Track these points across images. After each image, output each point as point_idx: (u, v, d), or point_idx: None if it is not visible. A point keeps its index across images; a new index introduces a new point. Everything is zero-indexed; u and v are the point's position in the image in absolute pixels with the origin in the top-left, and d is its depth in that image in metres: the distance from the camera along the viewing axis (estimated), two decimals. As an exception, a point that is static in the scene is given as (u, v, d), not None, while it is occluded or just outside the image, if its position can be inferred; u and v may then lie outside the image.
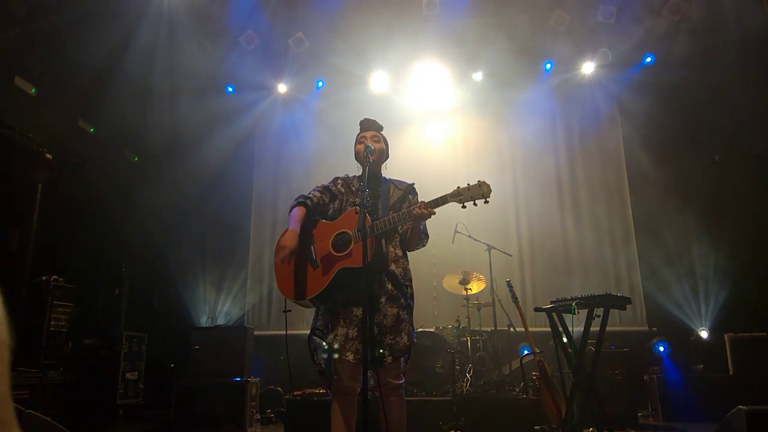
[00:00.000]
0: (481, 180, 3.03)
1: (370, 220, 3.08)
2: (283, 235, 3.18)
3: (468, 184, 3.04)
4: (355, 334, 3.07)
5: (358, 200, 3.30)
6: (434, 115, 8.11)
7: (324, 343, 3.16)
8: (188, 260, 7.37)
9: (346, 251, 3.13)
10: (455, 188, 3.07)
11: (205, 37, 6.96)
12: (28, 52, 5.63)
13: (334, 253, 3.16)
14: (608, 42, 7.38)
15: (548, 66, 7.71)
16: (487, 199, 3.01)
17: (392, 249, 3.27)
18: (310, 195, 3.36)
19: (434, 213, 3.08)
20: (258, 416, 6.03)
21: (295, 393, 5.95)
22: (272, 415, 6.33)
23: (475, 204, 3.03)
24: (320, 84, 8.04)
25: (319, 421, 5.40)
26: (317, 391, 5.85)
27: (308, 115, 8.23)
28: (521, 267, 7.48)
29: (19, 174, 5.53)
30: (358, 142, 3.46)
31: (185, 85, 7.24)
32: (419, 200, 3.43)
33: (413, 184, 3.52)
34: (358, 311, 3.10)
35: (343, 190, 3.46)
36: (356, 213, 3.14)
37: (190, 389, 5.89)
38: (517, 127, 7.92)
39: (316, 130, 8.19)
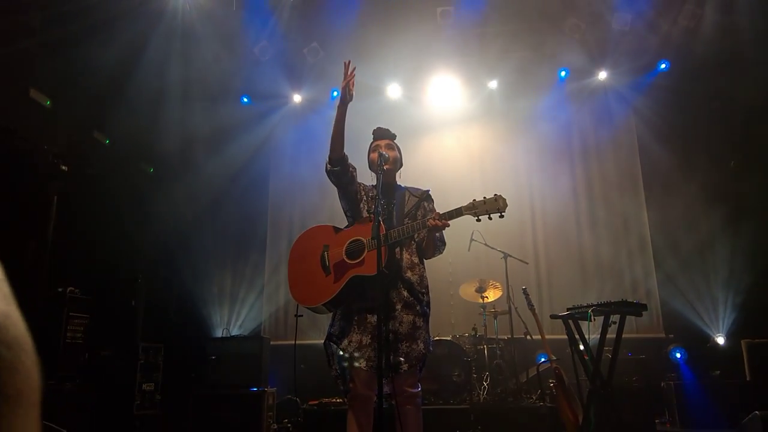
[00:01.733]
0: (498, 194, 3.02)
1: (385, 229, 3.10)
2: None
3: (484, 198, 3.04)
4: (369, 341, 3.07)
5: (373, 209, 3.32)
6: (449, 124, 8.12)
7: (339, 350, 3.16)
8: (204, 271, 7.42)
9: (359, 259, 3.14)
10: (471, 201, 3.07)
11: (220, 47, 7.02)
12: (43, 64, 5.71)
13: (347, 261, 3.18)
14: (623, 49, 7.36)
15: (563, 74, 7.70)
16: (503, 214, 3.00)
17: (408, 256, 3.28)
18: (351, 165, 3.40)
19: (449, 225, 3.07)
20: (275, 426, 6.03)
21: (312, 402, 5.95)
22: (289, 425, 6.32)
23: (489, 218, 3.03)
24: (335, 93, 8.07)
25: (336, 430, 5.41)
26: (334, 400, 5.85)
27: (324, 125, 8.25)
28: (537, 274, 7.44)
29: (34, 186, 5.60)
30: (371, 150, 3.48)
31: (200, 95, 7.30)
32: (434, 207, 3.45)
33: (428, 190, 3.52)
34: (372, 318, 3.11)
35: (363, 195, 3.48)
36: (371, 221, 3.16)
37: (207, 400, 5.91)
38: (532, 134, 7.91)
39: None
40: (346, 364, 3.15)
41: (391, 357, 3.02)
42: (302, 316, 3.51)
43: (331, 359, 3.25)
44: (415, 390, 3.14)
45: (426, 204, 3.45)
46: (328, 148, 3.31)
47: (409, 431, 3.10)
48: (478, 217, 3.04)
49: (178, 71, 6.83)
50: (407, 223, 3.21)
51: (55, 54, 5.72)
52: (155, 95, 6.72)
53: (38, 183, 5.66)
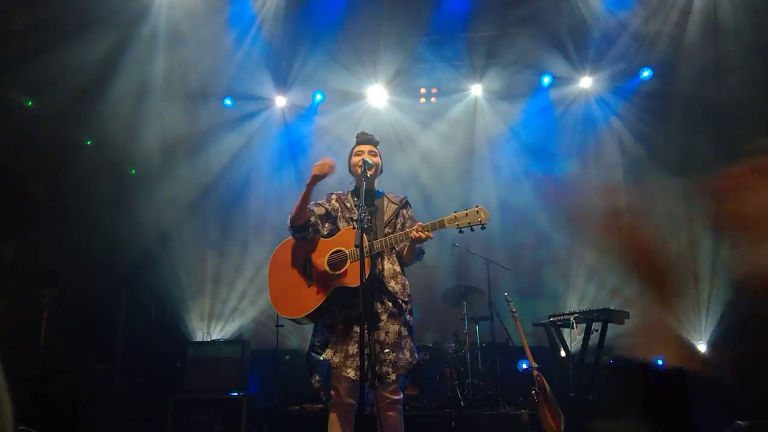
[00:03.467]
0: (479, 206, 3.02)
1: (367, 238, 3.09)
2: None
3: (466, 211, 3.03)
4: (356, 350, 3.05)
5: (354, 216, 3.31)
6: (432, 129, 8.13)
7: (322, 359, 3.14)
8: (184, 274, 7.34)
9: (342, 270, 3.13)
10: (453, 214, 3.06)
11: (203, 48, 6.96)
12: (25, 65, 5.63)
13: (330, 272, 3.17)
14: (606, 56, 7.41)
15: (546, 80, 7.74)
16: (484, 225, 3.00)
17: (389, 265, 3.27)
18: (312, 222, 3.35)
19: (431, 237, 3.07)
20: (255, 431, 5.98)
21: (292, 408, 5.93)
22: (268, 430, 6.28)
23: (471, 229, 3.03)
24: (318, 97, 8.05)
25: (316, 436, 5.39)
26: (315, 406, 5.83)
27: (306, 128, 8.25)
28: (519, 281, 7.45)
29: (15, 187, 5.52)
30: (354, 154, 3.46)
31: (182, 97, 7.22)
32: (413, 214, 3.45)
33: (406, 197, 3.53)
34: (357, 328, 3.10)
35: (337, 206, 3.46)
36: (354, 229, 3.15)
37: (186, 404, 5.85)
38: (515, 141, 7.94)
39: (314, 143, 8.20)
40: (330, 373, 3.14)
41: (378, 367, 3.01)
42: (283, 326, 3.49)
43: (312, 369, 3.24)
44: (398, 397, 3.14)
45: (404, 211, 3.45)
46: (292, 213, 3.28)
47: None
48: (460, 228, 3.03)
49: (160, 72, 6.76)
50: (388, 233, 3.21)
51: (36, 56, 5.64)
52: (136, 96, 6.65)
53: (20, 185, 5.59)
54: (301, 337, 7.27)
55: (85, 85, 6.04)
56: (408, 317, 3.23)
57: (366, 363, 2.82)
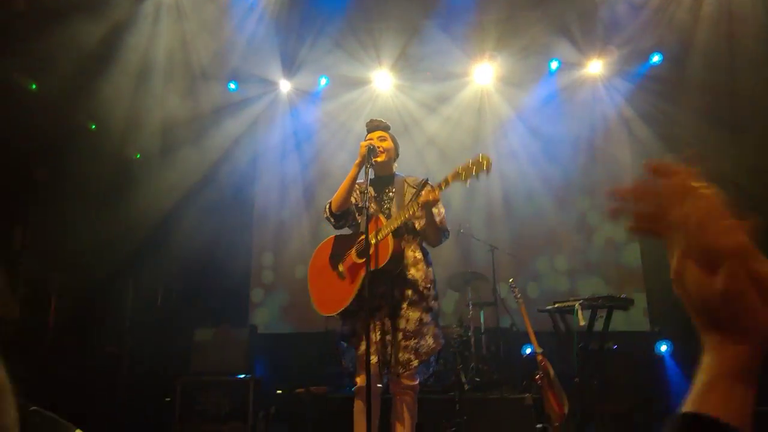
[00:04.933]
0: (482, 153, 3.02)
1: (384, 220, 3.13)
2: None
3: (468, 161, 3.02)
4: (379, 337, 3.10)
5: (382, 199, 3.34)
6: (439, 114, 8.07)
7: (348, 347, 3.20)
8: (191, 256, 7.36)
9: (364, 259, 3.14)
10: (455, 169, 3.06)
11: (207, 30, 6.91)
12: (27, 48, 5.62)
13: (357, 261, 3.19)
14: (616, 41, 7.32)
15: (554, 65, 7.66)
16: (488, 173, 2.98)
17: (411, 253, 3.29)
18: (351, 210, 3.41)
19: (438, 198, 3.07)
20: (262, 413, 6.04)
21: (298, 390, 5.98)
22: (275, 413, 6.35)
23: (477, 178, 2.99)
24: (323, 82, 7.99)
25: (321, 418, 5.45)
26: (321, 388, 5.89)
27: (312, 113, 8.21)
28: (524, 267, 7.46)
29: (20, 172, 5.54)
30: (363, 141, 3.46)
31: (186, 81, 7.20)
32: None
33: (426, 179, 3.48)
34: (379, 314, 3.14)
35: (358, 197, 3.47)
36: (374, 216, 3.19)
37: (194, 387, 5.91)
38: (522, 126, 7.89)
39: (319, 129, 8.18)
40: (353, 361, 3.21)
41: (400, 354, 3.05)
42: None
43: (342, 357, 3.28)
44: (414, 383, 3.18)
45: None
46: (334, 199, 3.31)
47: (403, 422, 3.14)
48: (466, 180, 3.01)
49: (164, 55, 6.73)
50: (402, 208, 3.21)
51: (38, 37, 5.62)
52: (140, 80, 6.63)
53: (24, 169, 5.60)
54: (307, 322, 7.33)
55: (89, 68, 6.04)
56: (432, 303, 3.26)
57: (389, 349, 2.89)
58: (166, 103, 6.95)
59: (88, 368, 5.81)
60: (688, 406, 0.64)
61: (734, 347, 0.64)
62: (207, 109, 7.64)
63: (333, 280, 3.27)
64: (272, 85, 8.07)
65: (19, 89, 5.78)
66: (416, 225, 3.28)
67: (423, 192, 3.06)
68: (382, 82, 7.90)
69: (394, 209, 3.30)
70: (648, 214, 0.72)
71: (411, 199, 3.31)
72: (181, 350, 6.36)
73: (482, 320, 6.31)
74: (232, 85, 7.97)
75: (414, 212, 3.13)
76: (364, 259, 3.12)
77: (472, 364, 5.91)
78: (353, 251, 3.24)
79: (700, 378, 0.65)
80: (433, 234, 3.28)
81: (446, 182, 3.07)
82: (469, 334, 6.11)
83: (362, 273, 3.12)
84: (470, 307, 6.25)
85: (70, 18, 5.66)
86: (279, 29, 7.24)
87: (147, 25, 6.48)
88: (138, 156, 7.34)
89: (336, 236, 3.44)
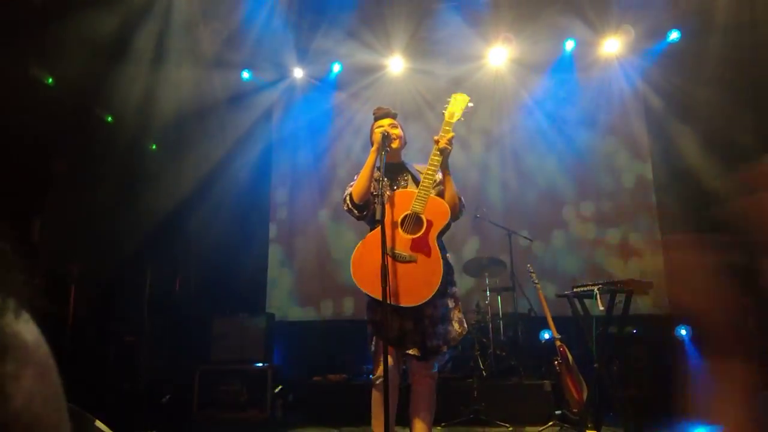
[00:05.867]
0: (454, 93, 3.24)
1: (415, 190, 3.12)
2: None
3: (447, 105, 3.21)
4: (413, 326, 3.05)
5: (395, 187, 3.29)
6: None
7: (380, 336, 3.15)
8: (208, 245, 7.39)
9: (423, 227, 3.07)
10: (445, 113, 3.20)
11: (219, 18, 6.87)
12: (43, 42, 5.64)
13: (417, 235, 3.06)
14: (632, 17, 7.17)
15: (570, 45, 7.53)
16: (470, 103, 3.22)
17: None
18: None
19: (452, 134, 3.14)
20: (280, 401, 6.09)
21: (315, 378, 6.02)
22: (293, 400, 6.40)
23: (468, 108, 3.21)
24: (336, 68, 7.93)
25: (338, 405, 5.47)
26: (339, 376, 5.92)
27: (325, 100, 8.16)
28: (542, 251, 7.40)
29: (38, 164, 5.58)
30: (374, 131, 3.41)
31: (200, 70, 7.19)
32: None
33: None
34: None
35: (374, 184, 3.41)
36: (405, 191, 3.19)
37: (213, 375, 5.97)
38: (538, 108, 7.79)
39: (334, 116, 8.14)
40: (377, 349, 3.15)
41: (429, 342, 3.04)
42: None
43: (370, 340, 3.22)
44: (434, 370, 3.17)
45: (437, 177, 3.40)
46: (356, 188, 3.21)
47: (423, 411, 3.14)
48: (460, 117, 3.18)
49: (177, 44, 6.71)
50: (424, 172, 3.14)
51: (55, 32, 5.63)
52: (153, 70, 6.62)
53: (43, 161, 5.64)
54: (323, 309, 7.35)
55: (104, 59, 6.05)
56: (453, 289, 3.25)
57: (417, 337, 2.97)
58: (181, 94, 6.94)
59: (107, 358, 5.87)
60: None
61: None
62: (221, 98, 7.64)
63: (401, 270, 3.00)
64: (285, 72, 8.03)
65: (36, 83, 5.81)
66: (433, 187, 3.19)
67: (438, 137, 3.10)
68: (396, 67, 7.83)
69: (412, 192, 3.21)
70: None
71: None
72: (199, 339, 6.42)
73: (500, 306, 6.28)
74: (245, 74, 7.96)
75: (438, 162, 3.07)
76: (420, 232, 3.04)
77: (490, 350, 5.89)
78: (399, 231, 3.05)
79: None
80: (452, 198, 3.18)
81: (447, 125, 3.14)
82: (487, 319, 6.08)
83: (431, 245, 3.04)
84: (487, 292, 6.21)
85: (84, 9, 5.67)
86: (290, 15, 7.19)
87: (160, 14, 6.46)
88: (154, 147, 7.37)
89: (362, 244, 3.15)
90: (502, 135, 7.81)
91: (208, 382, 5.95)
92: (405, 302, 2.96)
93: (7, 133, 4.93)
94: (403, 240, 3.04)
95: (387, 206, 3.08)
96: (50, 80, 6.02)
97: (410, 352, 3.05)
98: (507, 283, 6.33)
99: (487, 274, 6.26)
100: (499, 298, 6.29)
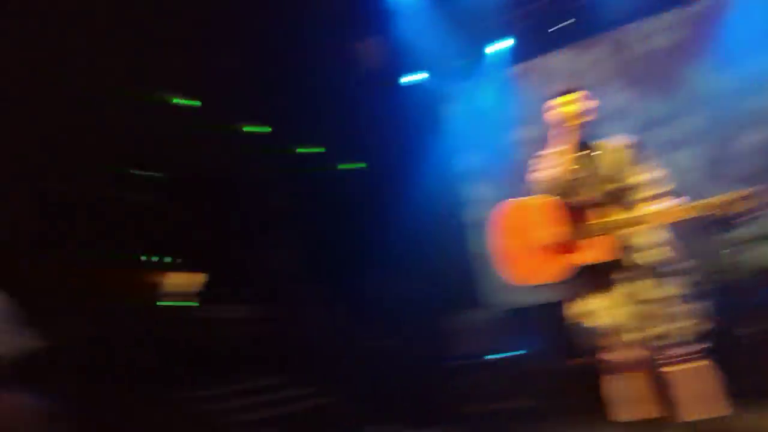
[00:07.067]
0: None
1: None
2: None
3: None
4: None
5: (582, 173, 2.97)
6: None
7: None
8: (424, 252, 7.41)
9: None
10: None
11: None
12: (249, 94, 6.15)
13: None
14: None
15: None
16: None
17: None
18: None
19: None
20: (534, 388, 5.86)
21: (575, 362, 5.66)
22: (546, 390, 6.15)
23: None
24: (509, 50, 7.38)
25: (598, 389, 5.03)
26: (594, 359, 5.52)
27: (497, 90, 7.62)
28: None
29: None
30: (554, 108, 3.05)
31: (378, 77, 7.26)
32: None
33: (633, 141, 3.03)
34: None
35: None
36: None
37: (459, 368, 6.20)
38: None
39: (511, 104, 7.47)
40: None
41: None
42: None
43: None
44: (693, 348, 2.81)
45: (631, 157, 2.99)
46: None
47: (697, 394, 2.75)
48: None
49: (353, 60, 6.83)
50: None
51: (271, 86, 6.04)
52: (339, 90, 6.78)
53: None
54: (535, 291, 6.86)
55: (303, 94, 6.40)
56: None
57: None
58: (367, 109, 7.04)
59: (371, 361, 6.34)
60: None
61: None
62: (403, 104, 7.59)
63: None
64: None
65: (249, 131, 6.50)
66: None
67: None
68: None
69: (603, 172, 2.92)
70: None
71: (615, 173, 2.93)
72: (436, 335, 6.62)
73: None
74: (421, 75, 7.79)
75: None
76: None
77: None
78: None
79: None
80: None
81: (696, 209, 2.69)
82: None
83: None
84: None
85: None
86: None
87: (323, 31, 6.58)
88: (365, 166, 7.62)
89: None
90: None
91: (454, 375, 6.12)
92: None
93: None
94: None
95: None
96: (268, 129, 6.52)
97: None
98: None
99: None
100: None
